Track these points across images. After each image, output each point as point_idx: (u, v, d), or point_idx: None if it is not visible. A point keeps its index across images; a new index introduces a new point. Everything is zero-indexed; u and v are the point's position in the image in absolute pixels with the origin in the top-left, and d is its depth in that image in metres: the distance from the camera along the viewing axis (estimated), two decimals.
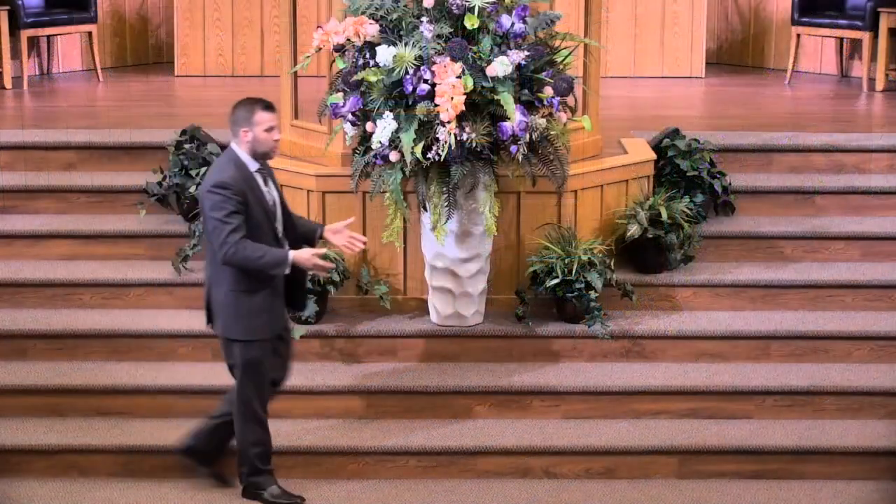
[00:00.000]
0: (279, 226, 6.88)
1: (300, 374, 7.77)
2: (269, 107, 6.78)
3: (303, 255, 6.75)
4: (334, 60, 7.82)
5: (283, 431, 7.51)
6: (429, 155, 7.40)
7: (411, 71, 7.40)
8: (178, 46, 11.59)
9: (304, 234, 7.03)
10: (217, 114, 9.99)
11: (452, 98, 7.28)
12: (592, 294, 7.89)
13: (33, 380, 7.74)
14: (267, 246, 6.71)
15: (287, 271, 6.72)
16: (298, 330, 7.87)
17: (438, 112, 7.32)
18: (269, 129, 6.75)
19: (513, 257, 8.15)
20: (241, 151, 6.79)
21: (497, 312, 8.12)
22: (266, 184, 6.85)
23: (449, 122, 7.32)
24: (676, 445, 7.46)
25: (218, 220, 6.64)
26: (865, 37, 11.12)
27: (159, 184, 8.60)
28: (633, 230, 8.16)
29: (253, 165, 6.80)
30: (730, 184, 8.76)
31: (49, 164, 9.03)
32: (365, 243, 6.96)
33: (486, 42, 7.50)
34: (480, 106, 7.47)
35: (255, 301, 6.80)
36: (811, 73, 11.81)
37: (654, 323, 8.09)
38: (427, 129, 7.39)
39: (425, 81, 7.38)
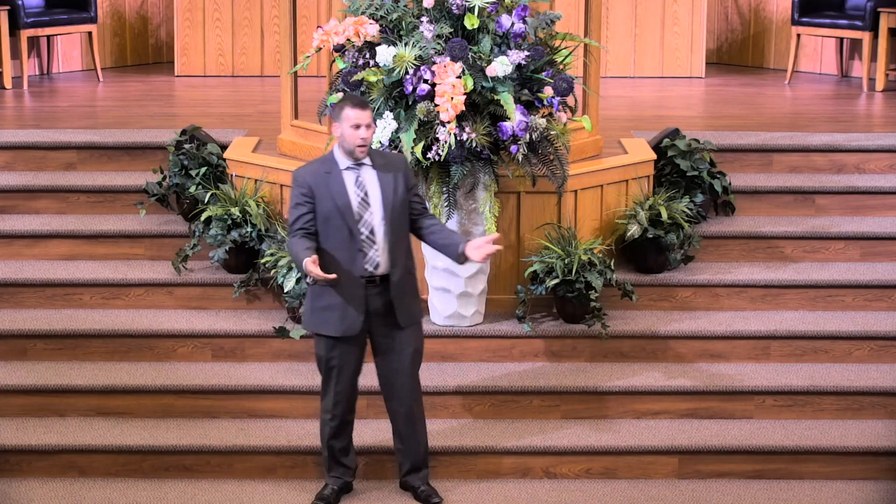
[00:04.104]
0: (363, 228, 6.75)
1: (300, 374, 7.78)
2: (358, 104, 6.71)
3: (306, 263, 6.61)
4: (334, 60, 7.83)
5: (283, 431, 7.52)
6: (429, 155, 7.41)
7: (411, 71, 7.41)
8: (178, 46, 11.59)
9: (443, 250, 6.88)
10: (217, 114, 10.02)
11: (452, 98, 7.29)
12: (592, 294, 7.89)
13: (33, 380, 7.74)
14: (308, 243, 6.67)
15: (308, 279, 6.68)
16: (298, 330, 7.88)
17: (438, 112, 7.33)
18: (355, 127, 6.71)
19: (513, 257, 8.15)
20: (336, 149, 6.81)
21: (497, 312, 8.13)
22: (356, 182, 6.77)
23: (449, 122, 7.33)
24: (676, 445, 7.46)
25: (289, 210, 6.83)
26: (865, 37, 11.13)
27: (159, 184, 8.61)
28: (633, 230, 8.17)
29: (343, 163, 6.78)
30: (730, 184, 8.77)
31: (49, 164, 9.03)
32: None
33: (486, 42, 7.50)
34: (480, 106, 7.48)
35: (327, 297, 6.80)
36: (811, 73, 11.81)
37: (654, 323, 8.09)
38: (427, 129, 7.40)
39: (425, 81, 7.38)
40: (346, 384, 6.94)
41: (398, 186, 6.81)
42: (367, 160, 6.80)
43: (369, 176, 6.81)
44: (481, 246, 6.77)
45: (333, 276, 6.63)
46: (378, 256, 6.80)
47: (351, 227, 6.75)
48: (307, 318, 6.93)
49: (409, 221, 6.89)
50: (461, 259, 6.82)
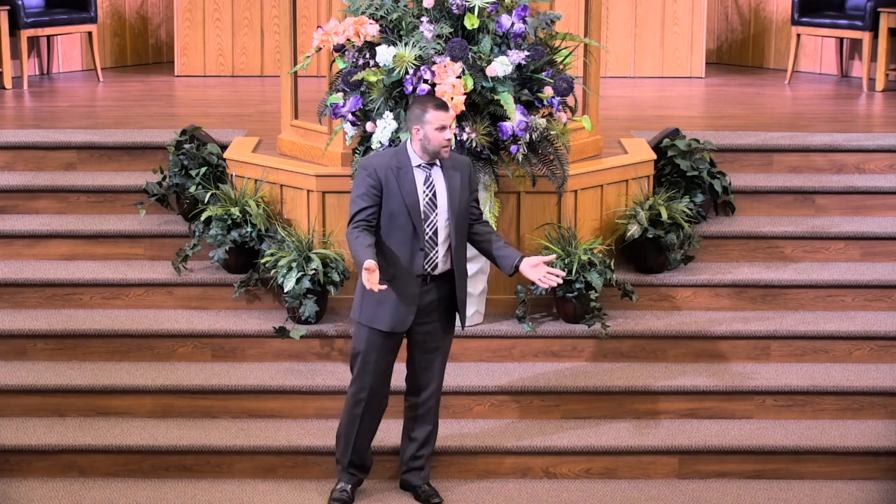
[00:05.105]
0: (428, 228, 6.76)
1: (300, 374, 7.78)
2: (441, 105, 6.73)
3: (366, 266, 6.56)
4: (334, 60, 7.83)
5: (283, 431, 7.52)
6: None
7: (411, 71, 7.41)
8: (178, 46, 11.59)
9: (497, 259, 6.92)
10: (217, 114, 10.02)
11: (452, 98, 7.29)
12: (592, 294, 7.90)
13: (33, 380, 7.74)
14: (369, 240, 6.63)
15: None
16: (298, 330, 7.88)
17: None
18: (441, 129, 6.71)
19: None
20: (410, 146, 6.79)
21: (497, 312, 8.13)
22: (426, 182, 6.77)
23: None
24: (676, 445, 7.46)
25: (352, 198, 6.78)
26: (865, 37, 11.13)
27: (159, 184, 8.61)
28: (633, 230, 8.17)
29: (416, 160, 6.78)
30: (730, 184, 8.77)
31: (49, 164, 9.03)
32: (562, 278, 6.85)
33: (486, 42, 7.50)
34: (480, 106, 7.48)
35: (381, 291, 6.74)
36: (811, 73, 11.82)
37: (654, 323, 8.09)
38: None
39: (425, 81, 7.38)
40: (382, 379, 6.97)
41: (463, 190, 6.84)
42: (436, 160, 6.82)
43: (438, 177, 6.82)
44: (538, 266, 6.79)
45: (384, 287, 6.60)
46: (438, 258, 6.83)
47: (416, 226, 6.76)
48: (357, 311, 6.91)
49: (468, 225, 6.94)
50: (513, 272, 6.87)
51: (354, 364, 6.98)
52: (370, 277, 6.49)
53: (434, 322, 6.93)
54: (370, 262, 6.50)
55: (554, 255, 6.97)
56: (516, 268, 6.85)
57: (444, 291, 6.90)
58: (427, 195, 6.78)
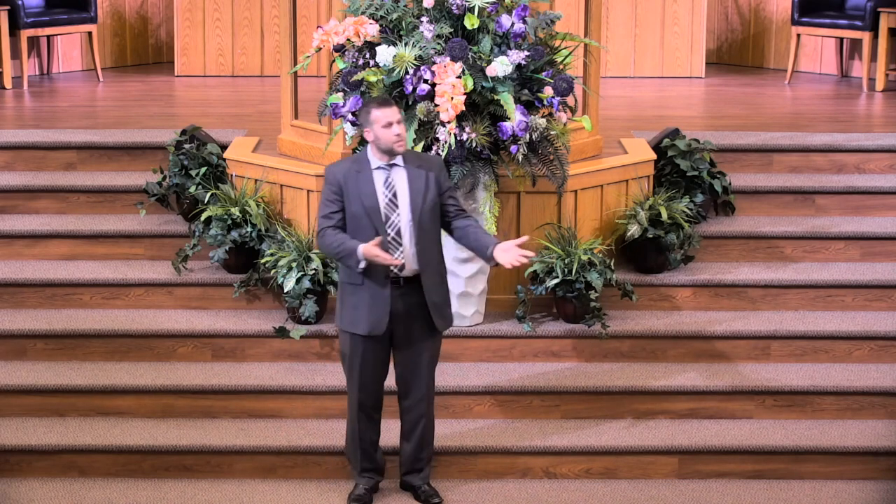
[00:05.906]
0: (390, 229, 6.75)
1: (300, 374, 7.78)
2: (383, 103, 6.73)
3: (366, 248, 6.63)
4: (334, 60, 7.83)
5: (283, 431, 7.52)
6: None
7: (411, 71, 7.41)
8: (178, 46, 11.60)
9: (475, 249, 6.88)
10: (217, 114, 10.02)
11: (452, 98, 7.29)
12: (592, 294, 7.90)
13: (33, 380, 7.74)
14: (347, 237, 6.73)
15: (362, 265, 6.65)
16: (298, 330, 7.88)
17: (438, 112, 7.33)
18: (387, 125, 6.72)
19: None
20: (369, 148, 6.82)
21: (497, 312, 8.13)
22: (385, 183, 6.77)
23: (449, 122, 7.33)
24: (676, 445, 7.46)
25: (319, 204, 6.84)
26: (865, 37, 11.13)
27: (159, 184, 8.61)
28: (633, 230, 8.17)
29: (375, 163, 6.79)
30: (730, 184, 8.77)
31: (49, 164, 9.03)
32: (528, 258, 6.78)
33: (486, 42, 7.50)
34: (480, 106, 7.48)
35: (356, 295, 6.80)
36: (811, 73, 11.82)
37: (654, 323, 8.09)
38: (427, 129, 7.40)
39: (425, 81, 7.38)
40: (371, 383, 6.96)
41: (429, 189, 6.81)
42: (399, 161, 6.80)
43: (400, 177, 6.81)
44: (509, 249, 6.74)
45: (399, 261, 6.66)
46: (405, 259, 6.80)
47: (377, 227, 6.75)
48: (338, 315, 6.95)
49: (441, 224, 6.89)
50: (491, 261, 6.80)
51: (345, 368, 7.01)
52: (378, 251, 6.56)
53: (416, 326, 6.90)
54: (365, 245, 6.59)
55: (526, 237, 6.89)
56: (492, 256, 6.78)
57: (422, 294, 6.88)
58: (387, 196, 6.77)
